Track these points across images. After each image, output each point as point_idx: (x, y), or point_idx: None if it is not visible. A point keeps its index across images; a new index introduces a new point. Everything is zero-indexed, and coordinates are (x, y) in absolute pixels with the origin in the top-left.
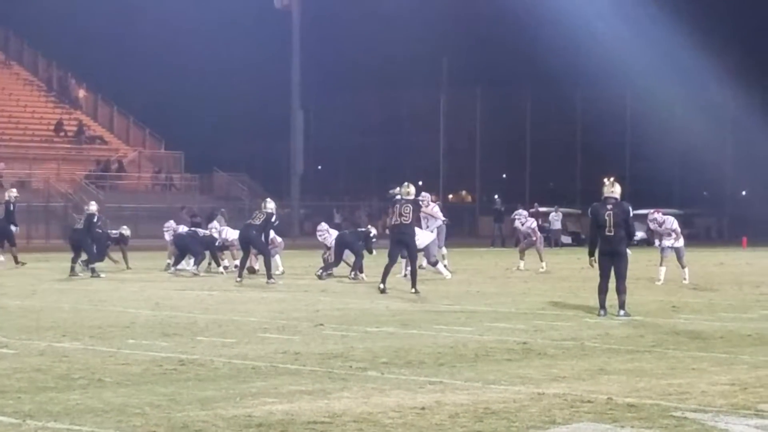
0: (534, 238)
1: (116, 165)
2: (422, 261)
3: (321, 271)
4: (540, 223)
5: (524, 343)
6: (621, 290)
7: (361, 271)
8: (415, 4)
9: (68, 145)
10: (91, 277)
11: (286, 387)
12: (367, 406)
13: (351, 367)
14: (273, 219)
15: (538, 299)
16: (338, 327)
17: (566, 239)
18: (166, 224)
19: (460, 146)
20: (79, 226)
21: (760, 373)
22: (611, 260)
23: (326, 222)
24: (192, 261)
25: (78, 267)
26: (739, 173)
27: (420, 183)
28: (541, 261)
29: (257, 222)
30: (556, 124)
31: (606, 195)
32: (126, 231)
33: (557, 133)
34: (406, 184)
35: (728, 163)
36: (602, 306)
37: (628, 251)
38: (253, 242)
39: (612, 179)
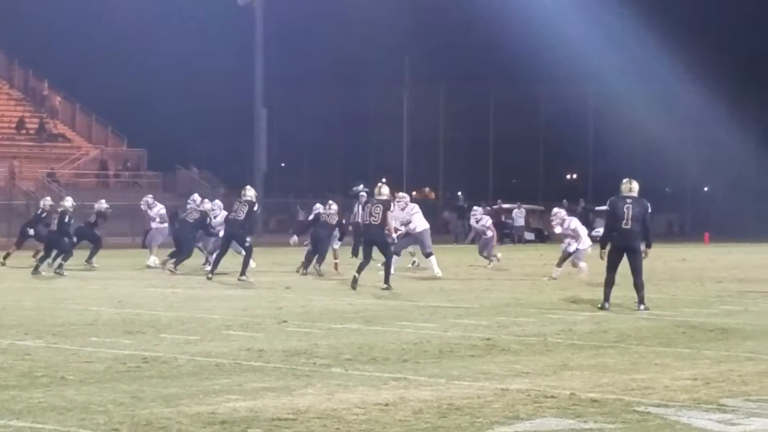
0: (488, 236)
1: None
2: (417, 258)
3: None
4: (503, 219)
5: (488, 339)
6: (639, 286)
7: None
8: (378, 2)
9: (30, 143)
10: (55, 273)
11: (249, 384)
12: (330, 402)
13: (315, 363)
14: (255, 207)
15: (501, 295)
16: (302, 324)
17: (529, 236)
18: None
19: (423, 143)
20: (54, 227)
21: (723, 367)
22: (624, 256)
23: (291, 220)
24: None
25: (44, 265)
26: (701, 170)
27: (383, 180)
28: (489, 259)
29: (241, 216)
30: (519, 121)
31: (624, 194)
32: (103, 205)
33: (520, 130)
34: (379, 185)
35: (690, 159)
36: (607, 299)
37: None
38: (237, 239)
39: (628, 179)
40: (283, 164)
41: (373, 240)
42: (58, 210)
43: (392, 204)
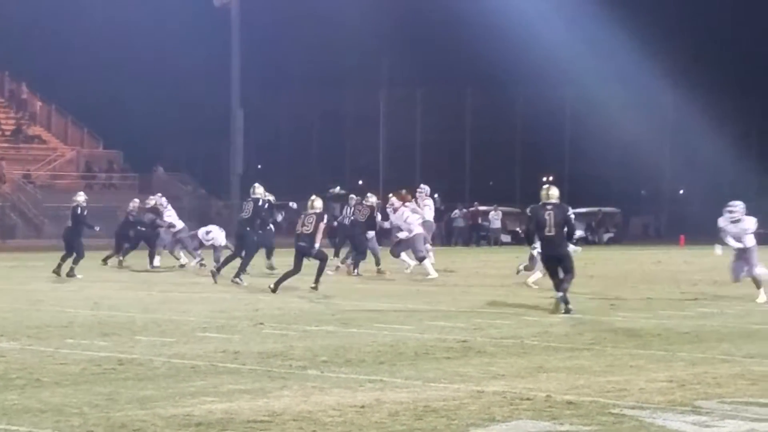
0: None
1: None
2: (408, 259)
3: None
4: (480, 221)
5: (464, 341)
6: (566, 280)
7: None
8: (355, 4)
9: (5, 145)
10: (68, 276)
11: (225, 386)
12: (306, 404)
13: (291, 365)
14: (260, 203)
15: (477, 298)
16: (278, 326)
17: (506, 238)
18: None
19: (400, 145)
20: (69, 223)
21: (698, 369)
22: (556, 261)
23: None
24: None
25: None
26: (677, 172)
27: (360, 182)
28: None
29: (246, 215)
30: (496, 123)
31: (544, 201)
32: (81, 196)
33: (497, 133)
34: (312, 197)
35: (666, 162)
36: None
37: (576, 248)
38: (244, 240)
39: (547, 185)
40: (259, 166)
41: (301, 249)
42: (73, 205)
43: (324, 216)
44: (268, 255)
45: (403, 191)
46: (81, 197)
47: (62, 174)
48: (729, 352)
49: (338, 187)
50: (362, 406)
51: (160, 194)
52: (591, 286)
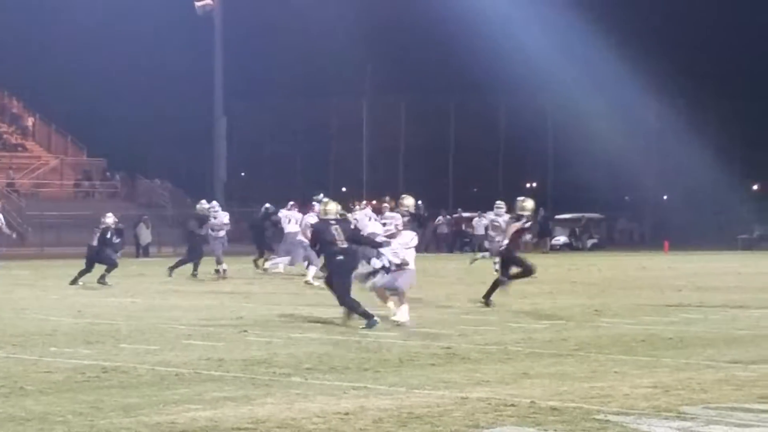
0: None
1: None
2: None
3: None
4: (463, 228)
5: (448, 347)
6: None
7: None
8: (339, 12)
9: None
10: (98, 282)
11: (209, 393)
12: (290, 411)
13: (275, 373)
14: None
15: (462, 304)
16: (262, 333)
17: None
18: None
19: (384, 153)
20: (94, 242)
21: (682, 375)
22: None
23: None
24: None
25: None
26: (661, 179)
27: (344, 189)
28: None
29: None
30: (480, 130)
31: (326, 216)
32: (110, 218)
33: (480, 140)
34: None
35: (650, 168)
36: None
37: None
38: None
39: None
40: (243, 173)
41: None
42: (101, 227)
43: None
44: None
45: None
46: (110, 219)
47: (46, 182)
48: (713, 358)
49: (321, 195)
50: (346, 413)
51: (204, 200)
52: (575, 292)
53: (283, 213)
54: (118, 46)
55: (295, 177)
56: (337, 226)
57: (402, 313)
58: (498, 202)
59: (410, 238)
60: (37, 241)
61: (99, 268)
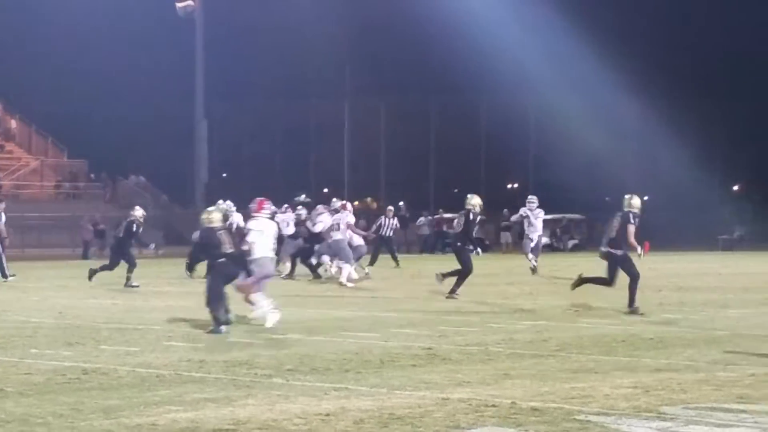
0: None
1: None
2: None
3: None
4: (444, 229)
5: (429, 348)
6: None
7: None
8: (318, 13)
9: None
10: (125, 286)
11: (190, 395)
12: (272, 413)
13: (256, 374)
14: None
15: (443, 304)
16: (243, 334)
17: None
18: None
19: (365, 154)
20: (121, 234)
21: (662, 375)
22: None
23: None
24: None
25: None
26: (641, 180)
27: (325, 190)
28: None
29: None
30: (461, 131)
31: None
32: (138, 211)
33: (461, 141)
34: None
35: (631, 169)
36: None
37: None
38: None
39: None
40: (224, 174)
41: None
42: (128, 219)
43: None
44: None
45: (368, 199)
46: (138, 212)
47: (26, 184)
48: (693, 358)
49: (303, 195)
50: (327, 414)
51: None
52: (556, 293)
53: (280, 217)
54: (100, 48)
55: (276, 178)
56: (222, 232)
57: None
58: (530, 197)
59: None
60: (17, 242)
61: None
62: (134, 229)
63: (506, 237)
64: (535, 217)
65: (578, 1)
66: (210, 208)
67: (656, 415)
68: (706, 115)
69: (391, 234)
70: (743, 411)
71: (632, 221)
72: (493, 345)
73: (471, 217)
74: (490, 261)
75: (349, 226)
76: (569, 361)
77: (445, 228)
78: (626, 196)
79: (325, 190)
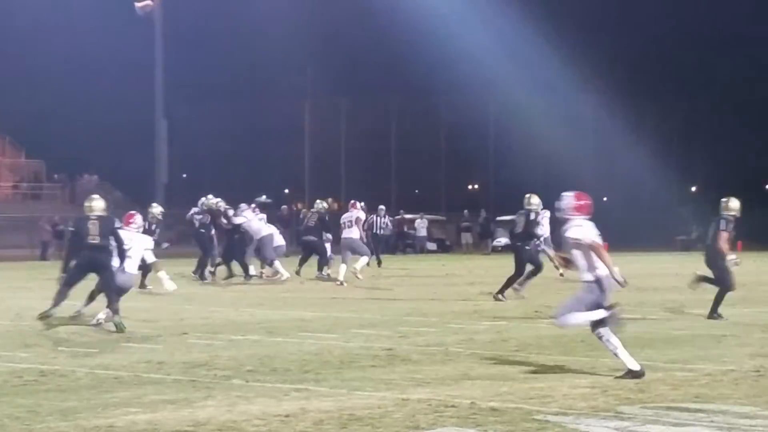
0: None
1: None
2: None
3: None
4: (406, 229)
5: (389, 349)
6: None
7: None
8: (279, 13)
9: None
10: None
11: (149, 396)
12: (231, 414)
13: (215, 375)
14: (326, 217)
15: (403, 305)
16: (203, 335)
17: (431, 246)
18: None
19: (326, 154)
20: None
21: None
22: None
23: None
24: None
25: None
26: (600, 180)
27: (286, 191)
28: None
29: (311, 224)
30: (421, 132)
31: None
32: (156, 209)
33: (422, 141)
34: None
35: (589, 170)
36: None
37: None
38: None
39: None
40: (185, 175)
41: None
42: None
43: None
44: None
45: (329, 200)
46: (156, 209)
47: None
48: (651, 358)
49: (264, 196)
50: (287, 416)
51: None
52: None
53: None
54: (58, 47)
55: (237, 178)
56: (95, 221)
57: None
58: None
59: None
60: None
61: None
62: (153, 227)
63: (467, 237)
64: (541, 218)
65: (538, 1)
66: (94, 196)
67: (614, 415)
68: (665, 113)
69: (381, 232)
70: (700, 410)
71: (725, 227)
72: (453, 345)
73: (532, 216)
74: (451, 261)
75: (357, 222)
76: (528, 362)
77: (406, 229)
78: (723, 200)
79: (286, 190)
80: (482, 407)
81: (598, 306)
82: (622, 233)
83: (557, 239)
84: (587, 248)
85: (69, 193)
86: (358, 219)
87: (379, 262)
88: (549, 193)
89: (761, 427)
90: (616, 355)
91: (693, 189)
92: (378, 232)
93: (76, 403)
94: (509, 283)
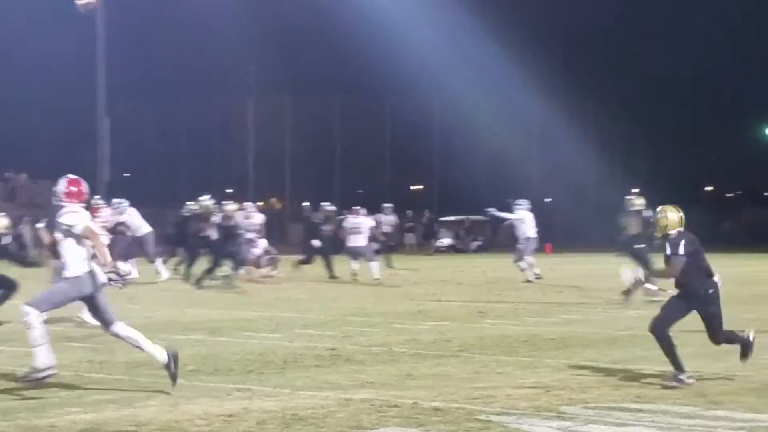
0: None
1: None
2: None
3: None
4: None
5: (333, 349)
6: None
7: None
8: (223, 12)
9: None
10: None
11: (90, 396)
12: (173, 414)
13: (158, 375)
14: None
15: (348, 305)
16: (145, 335)
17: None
18: None
19: (269, 153)
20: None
21: (563, 375)
22: None
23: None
24: None
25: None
26: (544, 181)
27: (230, 190)
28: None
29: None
30: (365, 131)
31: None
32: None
33: (366, 141)
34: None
35: (533, 170)
36: None
37: None
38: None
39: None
40: (127, 174)
41: None
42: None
43: None
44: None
45: (273, 199)
46: (205, 202)
47: None
48: (593, 358)
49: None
50: (230, 415)
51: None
52: (459, 294)
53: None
54: None
55: (180, 178)
56: None
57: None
58: (519, 200)
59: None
60: None
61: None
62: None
63: (410, 238)
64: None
65: (483, 2)
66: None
67: (556, 415)
68: (608, 113)
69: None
70: (640, 410)
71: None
72: (397, 345)
73: (645, 215)
74: (394, 262)
75: (372, 229)
76: (471, 362)
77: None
78: (627, 198)
79: (229, 190)
80: (425, 407)
81: (71, 300)
82: (566, 234)
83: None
84: (80, 237)
85: (7, 191)
86: (372, 227)
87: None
88: (493, 193)
89: (701, 427)
90: (139, 347)
91: (635, 190)
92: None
93: (16, 402)
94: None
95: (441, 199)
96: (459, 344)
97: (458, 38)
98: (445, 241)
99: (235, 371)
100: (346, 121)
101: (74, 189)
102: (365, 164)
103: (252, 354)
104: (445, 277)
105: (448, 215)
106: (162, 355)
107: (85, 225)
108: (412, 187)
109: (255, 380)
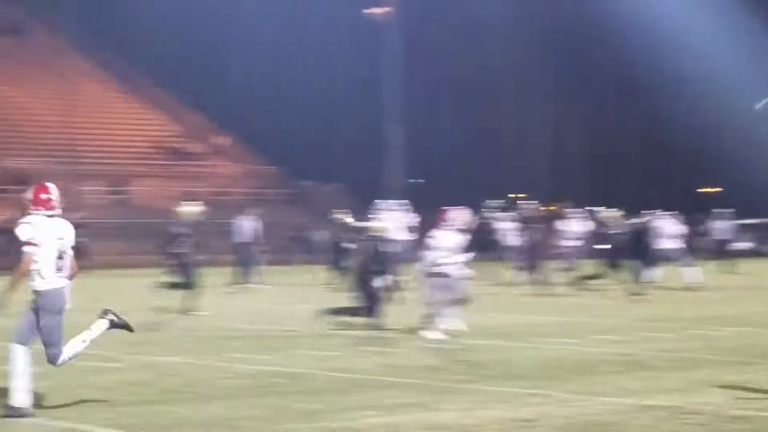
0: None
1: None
2: None
3: None
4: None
5: (629, 355)
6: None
7: None
8: (507, 14)
9: (168, 162)
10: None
11: (386, 399)
12: (469, 419)
13: (453, 380)
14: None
15: (641, 311)
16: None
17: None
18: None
19: (554, 156)
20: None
21: None
22: None
23: None
24: None
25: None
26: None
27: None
28: None
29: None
30: (651, 132)
31: None
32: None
33: (651, 142)
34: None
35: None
36: None
37: None
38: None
39: None
40: (415, 180)
41: None
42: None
43: None
44: None
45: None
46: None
47: (228, 191)
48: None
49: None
50: (527, 420)
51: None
52: (760, 299)
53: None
54: (297, 66)
55: (470, 181)
56: None
57: None
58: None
59: None
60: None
61: None
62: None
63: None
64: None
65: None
66: None
67: None
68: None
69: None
70: None
71: None
72: (693, 351)
73: None
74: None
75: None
76: None
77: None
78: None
79: (520, 194)
80: (724, 414)
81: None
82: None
83: None
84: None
85: (302, 198)
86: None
87: None
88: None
89: None
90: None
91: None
92: None
93: (318, 405)
94: None
95: (735, 201)
96: (762, 351)
97: (741, 37)
98: (744, 245)
99: (528, 376)
100: (622, 122)
101: (43, 196)
102: (651, 167)
103: (546, 360)
104: (746, 283)
105: (745, 218)
106: (21, 399)
107: (29, 236)
108: (699, 189)
109: (549, 386)
